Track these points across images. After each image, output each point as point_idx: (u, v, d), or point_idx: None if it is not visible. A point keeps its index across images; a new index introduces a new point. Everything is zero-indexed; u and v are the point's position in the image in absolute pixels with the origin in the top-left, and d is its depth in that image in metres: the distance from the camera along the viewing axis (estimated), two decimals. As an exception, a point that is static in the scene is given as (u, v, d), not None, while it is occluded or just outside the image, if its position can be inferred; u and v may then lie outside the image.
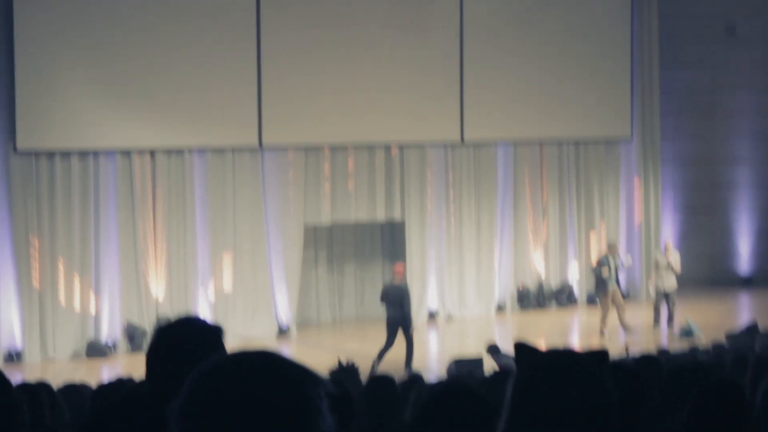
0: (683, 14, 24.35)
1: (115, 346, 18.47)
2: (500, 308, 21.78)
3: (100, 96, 18.25)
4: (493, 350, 14.85)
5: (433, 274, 21.12)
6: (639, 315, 20.19)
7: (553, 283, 22.39)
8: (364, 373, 9.25)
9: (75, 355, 18.19)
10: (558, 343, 18.14)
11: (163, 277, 19.03)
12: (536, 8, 21.74)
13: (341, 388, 4.69)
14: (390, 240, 22.00)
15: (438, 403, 3.20)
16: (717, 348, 13.92)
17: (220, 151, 19.41)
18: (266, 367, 1.86)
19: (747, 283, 24.75)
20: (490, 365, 14.20)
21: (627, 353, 15.04)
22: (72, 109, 18.08)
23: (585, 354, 2.28)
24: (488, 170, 21.82)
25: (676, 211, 24.87)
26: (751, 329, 17.02)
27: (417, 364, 15.53)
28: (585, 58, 22.08)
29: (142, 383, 3.40)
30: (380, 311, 21.88)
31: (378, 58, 20.24)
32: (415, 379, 9.54)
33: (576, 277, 22.62)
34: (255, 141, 19.48)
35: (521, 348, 2.29)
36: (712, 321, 19.58)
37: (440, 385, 3.39)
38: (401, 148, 20.90)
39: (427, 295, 21.12)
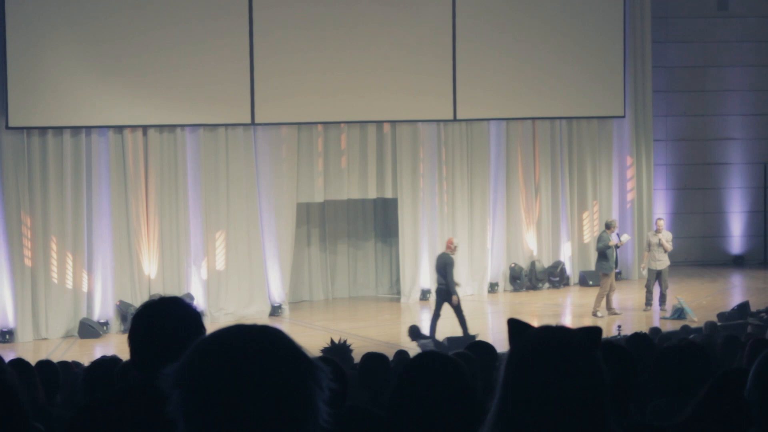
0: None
1: (107, 325, 18.47)
2: (492, 288, 21.79)
3: (92, 72, 18.18)
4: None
5: (425, 252, 21.12)
6: (631, 296, 20.22)
7: (546, 262, 22.39)
8: (357, 352, 9.27)
9: (67, 334, 18.19)
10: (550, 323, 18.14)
11: (156, 255, 19.01)
12: (529, -14, 21.66)
13: (334, 366, 4.71)
14: (383, 217, 22.03)
15: (415, 369, 3.26)
16: (708, 327, 13.95)
17: (212, 127, 19.37)
18: (268, 340, 1.89)
19: (738, 261, 24.78)
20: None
21: (619, 332, 15.10)
22: (64, 86, 18.01)
23: (578, 330, 2.28)
24: (481, 147, 21.80)
25: (668, 189, 24.87)
26: (743, 308, 17.07)
27: (408, 344, 15.48)
28: (578, 36, 22.02)
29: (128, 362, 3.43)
30: (372, 290, 22.06)
31: (371, 35, 20.18)
32: (401, 356, 9.58)
33: (568, 255, 22.61)
34: (248, 118, 19.43)
35: (514, 324, 2.29)
36: (704, 300, 19.63)
37: (418, 355, 3.50)
38: (394, 125, 20.87)
39: (419, 275, 21.13)
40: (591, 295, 19.75)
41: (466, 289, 21.46)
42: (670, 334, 12.87)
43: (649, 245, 19.07)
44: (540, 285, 22.13)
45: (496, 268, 21.93)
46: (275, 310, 19.89)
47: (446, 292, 16.50)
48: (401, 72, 20.37)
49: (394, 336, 16.37)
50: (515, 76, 21.49)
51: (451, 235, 21.10)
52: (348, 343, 9.44)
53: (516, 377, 2.18)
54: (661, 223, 19.44)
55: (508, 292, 21.86)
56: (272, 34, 19.43)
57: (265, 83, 19.38)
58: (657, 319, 18.37)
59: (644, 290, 19.26)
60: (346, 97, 20.03)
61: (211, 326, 2.19)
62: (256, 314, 19.31)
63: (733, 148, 25.12)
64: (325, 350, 8.98)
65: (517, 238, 22.19)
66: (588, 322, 18.55)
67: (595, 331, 2.30)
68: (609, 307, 18.79)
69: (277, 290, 20.00)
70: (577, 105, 22.32)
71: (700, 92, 24.86)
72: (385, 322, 19.14)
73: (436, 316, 16.53)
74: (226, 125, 19.46)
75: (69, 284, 18.35)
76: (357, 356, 8.33)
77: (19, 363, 6.42)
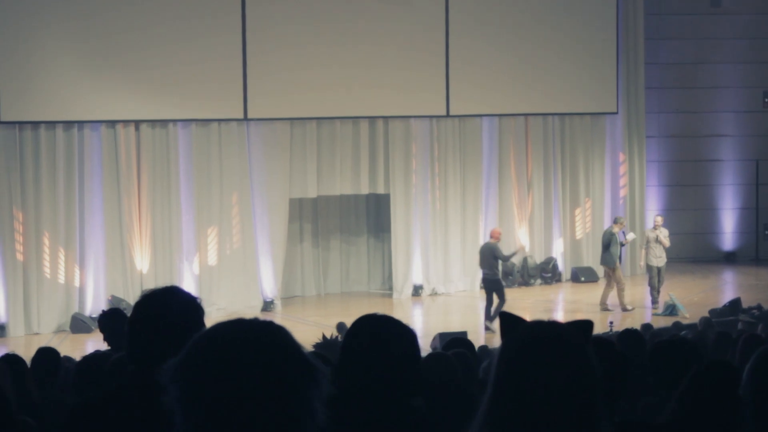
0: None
1: (99, 320, 18.43)
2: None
3: (84, 67, 18.16)
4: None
5: (418, 248, 21.13)
6: (628, 291, 20.20)
7: (538, 258, 22.39)
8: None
9: (59, 329, 18.17)
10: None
11: (148, 250, 19.00)
12: (522, -18, 21.67)
13: (325, 361, 4.71)
14: (375, 213, 22.03)
15: (361, 326, 3.28)
16: (703, 323, 13.97)
17: (205, 122, 19.35)
18: (269, 337, 1.89)
19: (730, 258, 24.83)
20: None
21: (611, 329, 15.11)
22: (56, 80, 17.98)
23: (570, 324, 2.29)
24: (473, 142, 21.79)
25: (660, 186, 24.90)
26: (734, 305, 17.10)
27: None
28: (571, 32, 22.02)
29: (123, 354, 3.38)
30: (364, 285, 22.09)
31: (364, 31, 20.17)
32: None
33: (560, 251, 22.62)
34: (240, 114, 19.42)
35: (506, 318, 2.29)
36: (696, 297, 19.65)
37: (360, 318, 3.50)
38: (386, 120, 20.86)
39: (411, 271, 21.14)
40: (582, 291, 19.75)
41: (458, 285, 21.50)
42: (662, 331, 12.90)
43: (647, 242, 19.07)
44: (532, 281, 22.15)
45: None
46: (267, 306, 19.88)
47: (492, 281, 17.43)
48: (394, 68, 20.36)
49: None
50: (508, 73, 21.49)
51: (443, 231, 21.18)
52: (340, 339, 9.44)
53: (508, 371, 2.18)
54: (660, 219, 19.44)
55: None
56: (265, 30, 19.42)
57: (257, 78, 19.36)
58: (649, 315, 18.38)
59: (642, 288, 19.17)
60: (339, 93, 20.02)
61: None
62: (248, 309, 19.28)
63: (726, 145, 25.15)
64: (316, 345, 8.97)
65: (510, 235, 22.17)
66: (598, 317, 18.14)
67: (587, 324, 2.31)
68: (602, 302, 18.74)
69: (270, 285, 19.99)
70: (569, 101, 22.33)
71: (693, 89, 24.88)
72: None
73: (489, 303, 17.38)
74: (218, 120, 19.44)
75: (61, 279, 18.33)
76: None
77: (11, 357, 6.44)
